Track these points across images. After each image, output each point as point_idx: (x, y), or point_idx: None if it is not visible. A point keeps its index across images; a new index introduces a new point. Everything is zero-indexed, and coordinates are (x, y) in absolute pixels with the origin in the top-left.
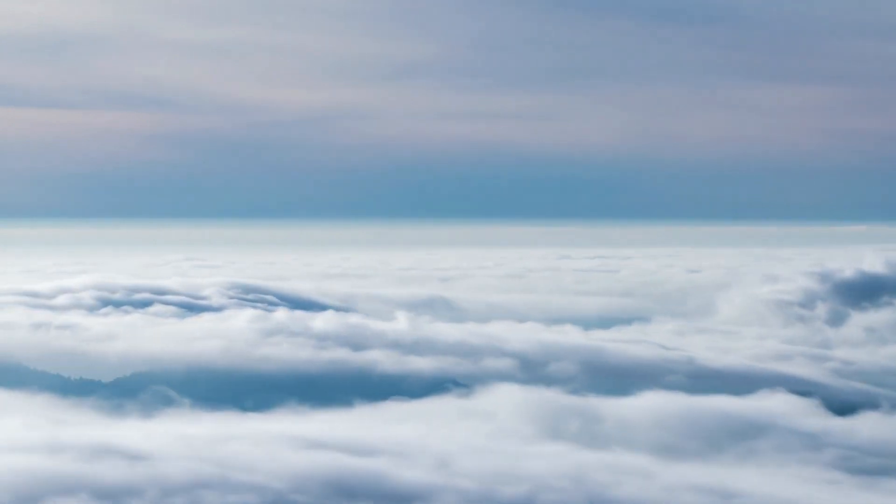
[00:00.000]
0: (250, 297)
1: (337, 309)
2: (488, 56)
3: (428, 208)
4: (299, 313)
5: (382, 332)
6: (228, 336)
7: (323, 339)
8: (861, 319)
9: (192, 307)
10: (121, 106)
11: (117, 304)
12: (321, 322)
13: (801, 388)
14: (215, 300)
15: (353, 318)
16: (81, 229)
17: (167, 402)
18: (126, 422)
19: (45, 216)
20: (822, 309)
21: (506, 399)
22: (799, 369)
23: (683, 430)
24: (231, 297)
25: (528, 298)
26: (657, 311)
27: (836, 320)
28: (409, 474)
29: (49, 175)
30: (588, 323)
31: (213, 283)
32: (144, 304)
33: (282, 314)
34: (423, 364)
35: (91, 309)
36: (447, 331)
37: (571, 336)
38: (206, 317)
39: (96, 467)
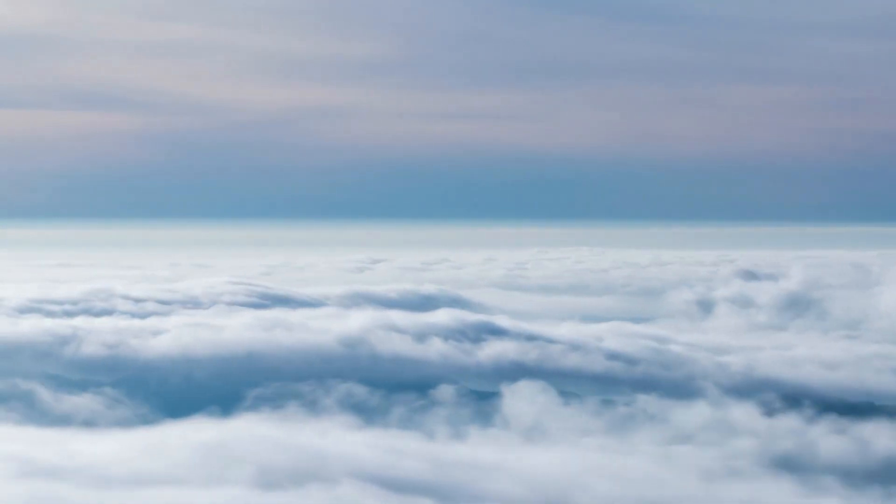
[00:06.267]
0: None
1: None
2: (464, 54)
3: (406, 208)
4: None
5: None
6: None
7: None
8: None
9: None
10: (84, 106)
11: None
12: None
13: None
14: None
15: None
16: (52, 230)
17: None
18: None
19: (14, 216)
20: None
21: None
22: None
23: None
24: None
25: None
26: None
27: None
28: None
29: (17, 174)
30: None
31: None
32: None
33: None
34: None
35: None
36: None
37: None
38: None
39: None
